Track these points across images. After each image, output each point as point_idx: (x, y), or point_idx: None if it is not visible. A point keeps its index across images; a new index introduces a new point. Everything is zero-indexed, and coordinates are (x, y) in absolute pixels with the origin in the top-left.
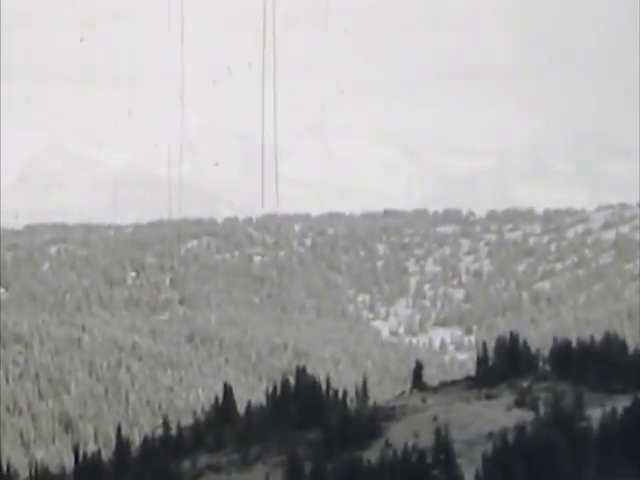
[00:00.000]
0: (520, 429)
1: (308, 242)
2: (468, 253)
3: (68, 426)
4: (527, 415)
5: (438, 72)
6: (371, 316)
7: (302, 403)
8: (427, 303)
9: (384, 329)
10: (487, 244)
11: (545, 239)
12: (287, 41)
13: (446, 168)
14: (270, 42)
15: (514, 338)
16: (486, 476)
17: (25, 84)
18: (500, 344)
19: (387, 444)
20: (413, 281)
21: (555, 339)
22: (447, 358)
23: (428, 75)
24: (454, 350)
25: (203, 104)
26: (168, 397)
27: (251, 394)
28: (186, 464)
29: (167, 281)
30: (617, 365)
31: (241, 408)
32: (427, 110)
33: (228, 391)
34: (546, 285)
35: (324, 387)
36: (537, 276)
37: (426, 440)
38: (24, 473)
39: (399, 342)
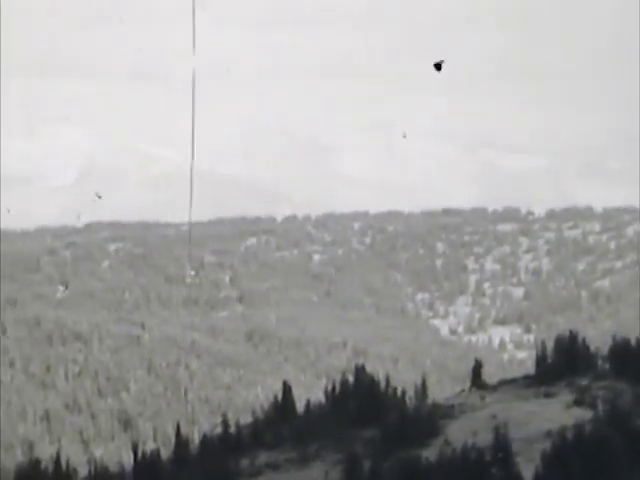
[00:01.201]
0: (579, 427)
1: (367, 240)
2: (527, 251)
3: (127, 424)
4: (586, 413)
5: (498, 70)
6: (430, 314)
7: (361, 401)
8: (486, 301)
9: (443, 327)
10: (546, 242)
11: (604, 237)
12: (348, 40)
13: (504, 166)
14: (329, 40)
15: (573, 336)
16: (545, 474)
17: (85, 83)
18: (559, 342)
19: (446, 442)
20: (472, 279)
21: (614, 337)
22: (506, 356)
23: (488, 73)
24: (513, 348)
25: (261, 102)
26: (227, 395)
27: (310, 392)
28: (245, 462)
29: (226, 279)
30: None
31: (300, 406)
32: (486, 108)
33: (287, 389)
34: (605, 283)
35: (383, 385)
36: (596, 274)
37: (485, 438)
38: (83, 471)
39: (458, 340)
